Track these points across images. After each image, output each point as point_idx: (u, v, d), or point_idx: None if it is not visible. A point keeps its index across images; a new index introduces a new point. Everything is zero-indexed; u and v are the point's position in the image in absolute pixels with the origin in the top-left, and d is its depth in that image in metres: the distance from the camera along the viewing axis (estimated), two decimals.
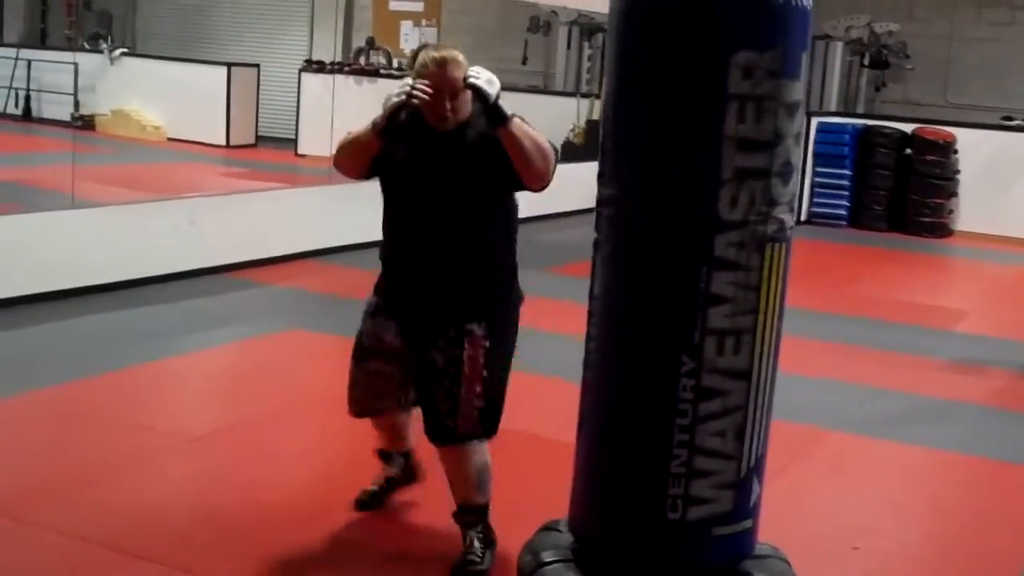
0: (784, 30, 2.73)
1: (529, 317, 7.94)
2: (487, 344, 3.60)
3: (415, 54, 3.78)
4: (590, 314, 2.93)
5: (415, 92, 3.55)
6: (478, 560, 3.66)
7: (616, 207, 2.85)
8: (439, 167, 3.62)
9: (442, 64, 3.66)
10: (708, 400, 2.78)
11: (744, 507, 2.91)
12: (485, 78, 3.59)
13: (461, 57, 3.72)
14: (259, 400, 5.93)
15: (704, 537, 2.86)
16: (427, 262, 3.71)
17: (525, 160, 3.53)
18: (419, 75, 3.64)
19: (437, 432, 3.73)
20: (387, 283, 3.92)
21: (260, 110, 17.55)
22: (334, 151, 3.81)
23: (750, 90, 2.68)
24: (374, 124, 3.63)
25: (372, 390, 3.99)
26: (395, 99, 3.58)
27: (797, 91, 2.76)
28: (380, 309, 3.90)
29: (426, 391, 3.70)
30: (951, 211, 13.94)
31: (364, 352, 3.96)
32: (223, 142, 16.94)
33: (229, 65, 17.18)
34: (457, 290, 3.60)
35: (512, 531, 3.58)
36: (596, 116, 14.70)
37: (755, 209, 2.72)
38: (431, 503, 4.62)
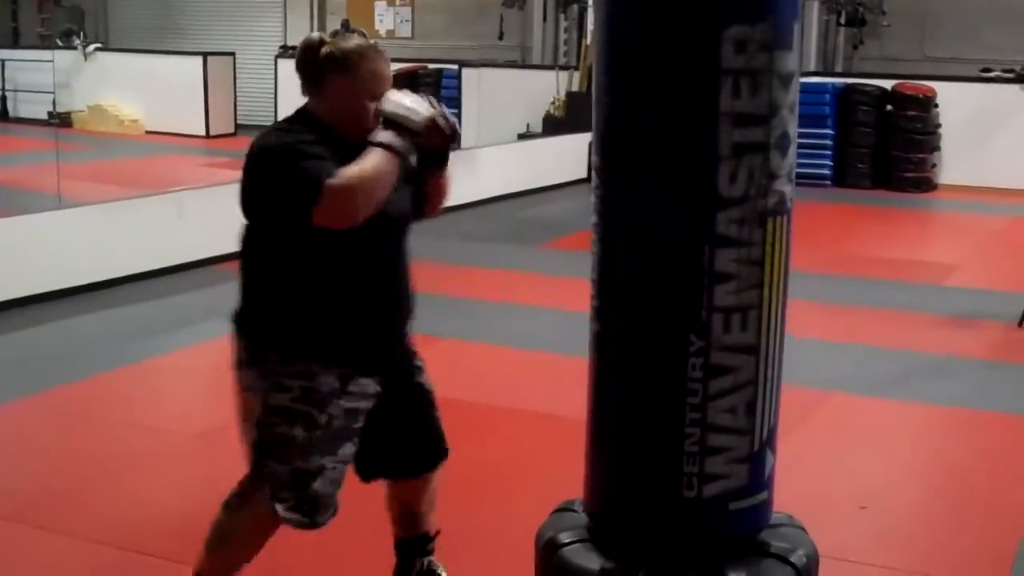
0: (774, 1, 2.71)
1: (520, 292, 7.98)
2: None
3: (316, 42, 3.15)
4: (592, 296, 2.92)
5: (446, 124, 3.12)
6: None
7: (613, 188, 2.84)
8: (402, 187, 3.16)
9: (386, 62, 3.18)
10: (718, 377, 2.77)
11: (759, 480, 2.91)
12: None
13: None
14: None
15: (721, 513, 2.86)
16: (398, 291, 3.30)
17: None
18: (364, 68, 3.08)
19: (436, 455, 3.55)
20: (361, 335, 3.19)
21: (238, 98, 17.50)
22: (339, 196, 2.89)
23: (744, 64, 2.66)
24: (398, 152, 2.97)
25: (341, 478, 3.31)
26: (418, 118, 3.02)
27: (791, 61, 2.75)
28: (350, 376, 3.16)
29: (423, 420, 3.49)
30: (934, 165, 13.96)
31: (336, 438, 3.19)
32: (202, 132, 16.91)
33: (204, 55, 17.14)
34: (413, 309, 3.38)
35: (526, 511, 3.58)
36: (575, 88, 14.68)
37: (755, 183, 2.71)
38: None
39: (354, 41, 3.12)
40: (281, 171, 2.97)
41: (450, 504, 4.47)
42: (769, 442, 2.91)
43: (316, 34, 3.18)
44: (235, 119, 17.45)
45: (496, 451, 5.09)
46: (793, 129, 2.77)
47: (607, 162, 2.86)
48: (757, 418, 2.85)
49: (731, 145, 2.69)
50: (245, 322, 3.27)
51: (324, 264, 3.08)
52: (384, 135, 2.97)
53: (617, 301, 2.87)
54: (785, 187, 2.76)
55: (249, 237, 3.16)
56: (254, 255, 3.19)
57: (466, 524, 4.29)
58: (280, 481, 3.21)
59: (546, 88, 14.94)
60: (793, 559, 2.94)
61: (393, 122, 2.99)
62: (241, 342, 3.29)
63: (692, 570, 2.88)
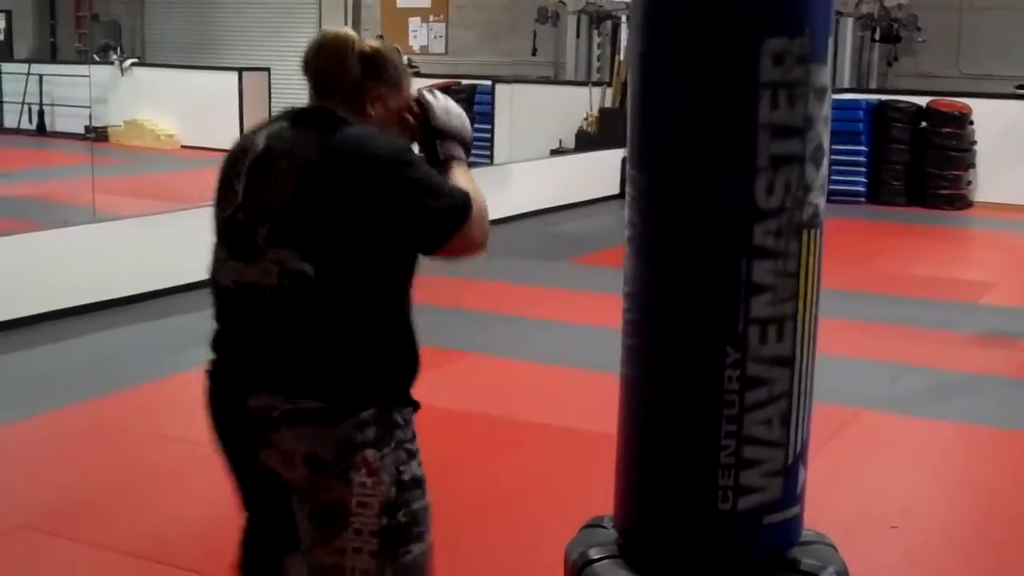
0: (811, 14, 2.72)
1: (550, 308, 7.98)
2: None
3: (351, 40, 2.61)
4: (625, 309, 2.92)
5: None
6: None
7: (650, 200, 2.84)
8: None
9: None
10: (754, 389, 2.77)
11: (792, 493, 2.91)
12: None
13: None
14: None
15: (755, 526, 2.85)
16: None
17: None
18: (407, 83, 2.72)
19: None
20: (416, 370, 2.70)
21: (272, 114, 17.57)
22: (482, 218, 2.60)
23: (781, 76, 2.68)
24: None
25: None
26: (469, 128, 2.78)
27: (825, 75, 2.77)
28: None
29: None
30: (969, 182, 13.88)
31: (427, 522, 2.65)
32: None
33: (240, 70, 17.22)
34: None
35: (554, 527, 3.57)
36: (608, 104, 14.69)
37: (791, 195, 2.72)
38: (459, 500, 4.64)
39: (390, 48, 2.73)
40: (428, 186, 2.47)
41: (476, 520, 4.48)
42: (802, 455, 2.91)
43: (341, 30, 2.64)
44: None
45: (523, 466, 5.08)
46: (827, 142, 2.78)
47: (643, 174, 2.86)
48: (791, 431, 2.85)
49: (768, 157, 2.70)
50: (320, 385, 2.45)
51: (400, 296, 2.64)
52: (455, 150, 2.68)
53: (653, 314, 2.88)
54: (819, 200, 2.77)
55: (324, 276, 2.42)
56: (329, 299, 2.44)
57: (492, 540, 4.29)
58: (420, 564, 2.63)
59: (579, 104, 14.95)
60: None
61: (453, 135, 2.69)
62: (322, 429, 2.45)
63: None
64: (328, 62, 2.58)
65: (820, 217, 2.78)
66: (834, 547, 3.09)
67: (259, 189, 2.45)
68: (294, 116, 2.57)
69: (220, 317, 2.60)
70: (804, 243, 2.75)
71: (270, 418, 2.43)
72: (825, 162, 2.78)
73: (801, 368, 2.83)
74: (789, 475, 2.88)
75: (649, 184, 2.85)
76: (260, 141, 2.50)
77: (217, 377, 2.59)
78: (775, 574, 2.90)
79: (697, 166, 2.75)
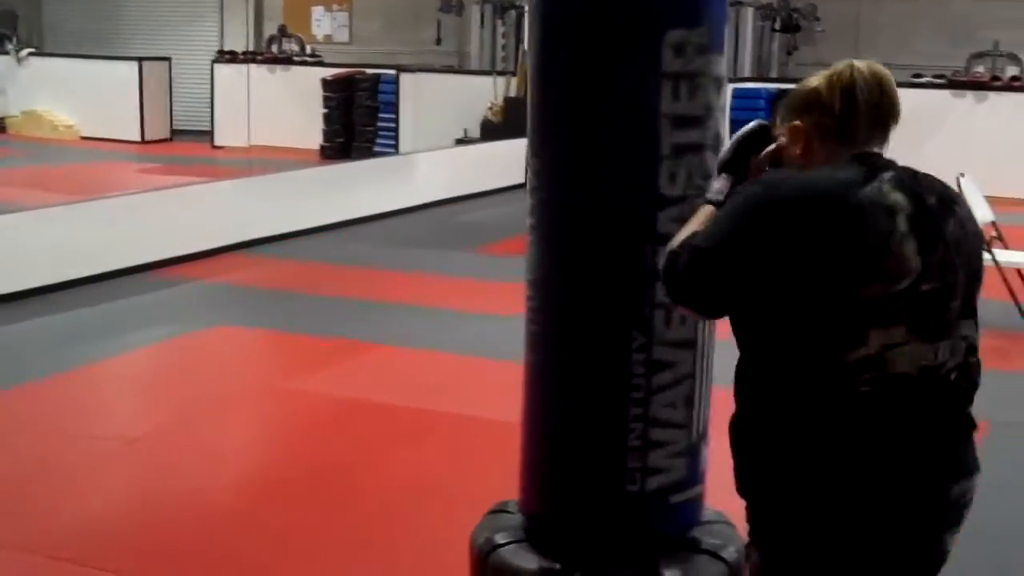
0: (709, 6, 2.77)
1: (456, 297, 7.99)
2: None
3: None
4: (529, 297, 2.94)
5: None
6: None
7: (553, 189, 2.87)
8: None
9: None
10: (660, 372, 2.83)
11: (696, 473, 2.98)
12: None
13: None
14: (194, 398, 5.89)
15: (662, 506, 2.92)
16: None
17: None
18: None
19: None
20: None
21: (174, 103, 17.38)
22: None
23: (682, 67, 2.73)
24: None
25: None
26: None
27: (722, 65, 2.83)
28: None
29: None
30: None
31: None
32: (138, 138, 16.77)
33: (140, 60, 16.99)
34: None
35: (461, 514, 3.59)
36: (513, 93, 14.72)
37: (693, 183, 2.77)
38: (368, 492, 4.65)
39: None
40: None
41: (387, 509, 4.49)
42: (704, 435, 2.97)
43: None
44: (171, 124, 17.34)
45: (433, 456, 5.10)
46: (724, 131, 2.82)
47: (545, 163, 2.89)
48: (695, 412, 2.92)
49: (671, 146, 2.74)
50: None
51: None
52: None
53: (557, 301, 2.91)
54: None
55: None
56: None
57: (402, 529, 4.30)
58: None
59: (484, 93, 14.98)
60: (724, 555, 2.98)
61: None
62: None
63: (628, 566, 2.91)
64: (894, 101, 2.24)
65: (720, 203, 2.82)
66: (733, 526, 3.15)
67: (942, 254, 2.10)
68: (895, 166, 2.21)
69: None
70: None
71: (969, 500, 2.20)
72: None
73: (703, 350, 2.88)
74: (693, 455, 2.94)
75: (552, 174, 2.87)
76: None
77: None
78: (678, 552, 2.95)
79: (601, 156, 2.78)
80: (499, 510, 3.20)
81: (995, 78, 14.44)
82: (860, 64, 2.20)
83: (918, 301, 2.04)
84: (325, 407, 5.72)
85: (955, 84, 14.36)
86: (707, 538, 3.02)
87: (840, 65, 2.20)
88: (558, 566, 2.92)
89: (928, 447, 2.11)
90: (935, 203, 2.13)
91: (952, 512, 2.17)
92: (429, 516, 4.39)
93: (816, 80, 2.22)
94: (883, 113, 2.20)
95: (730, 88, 14.57)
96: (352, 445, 5.24)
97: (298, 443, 5.35)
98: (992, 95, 14.04)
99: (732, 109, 14.66)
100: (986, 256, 7.23)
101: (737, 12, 15.61)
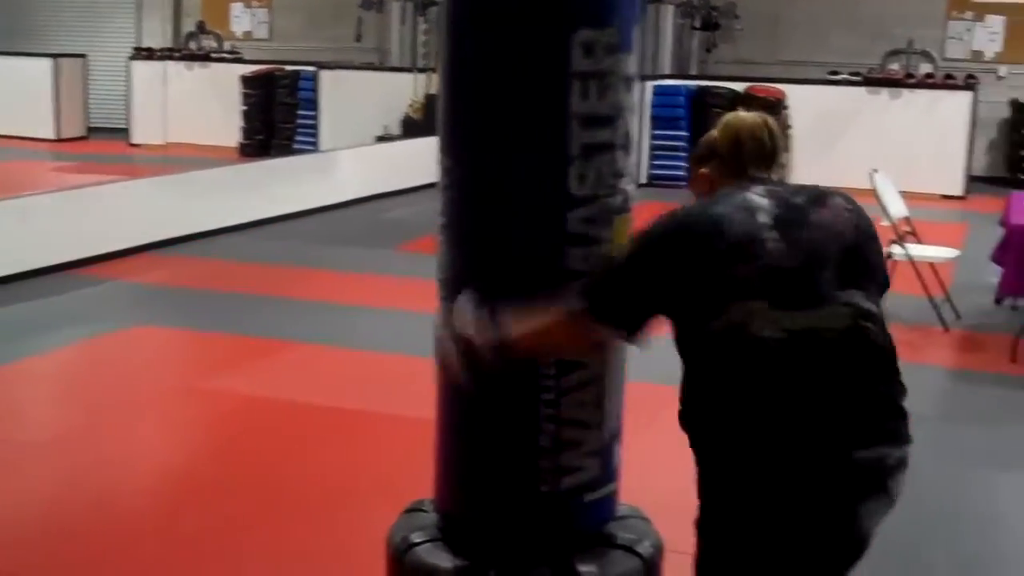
0: (619, 6, 2.76)
1: (375, 295, 7.96)
2: None
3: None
4: (441, 297, 2.93)
5: None
6: None
7: (463, 189, 2.86)
8: None
9: None
10: (570, 373, 2.81)
11: (609, 471, 2.97)
12: None
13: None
14: (109, 400, 5.81)
15: (575, 505, 2.91)
16: None
17: None
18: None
19: None
20: None
21: (90, 101, 17.15)
22: None
23: (591, 67, 2.71)
24: None
25: None
26: None
27: (632, 64, 2.82)
28: None
29: None
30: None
31: None
32: (53, 135, 16.53)
33: (55, 56, 16.74)
34: None
35: (379, 513, 3.58)
36: (434, 91, 14.69)
37: (603, 183, 2.76)
38: (285, 493, 4.61)
39: None
40: None
41: (304, 508, 4.46)
42: (617, 433, 2.98)
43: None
44: (87, 122, 17.12)
45: (351, 455, 5.08)
46: (634, 130, 2.83)
47: (455, 163, 2.87)
48: (607, 411, 2.91)
49: (581, 146, 2.73)
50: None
51: None
52: None
53: None
54: (629, 186, 2.82)
55: None
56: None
57: (320, 528, 4.28)
58: None
59: (404, 90, 14.94)
60: (640, 549, 2.99)
61: None
62: None
63: (544, 564, 2.91)
64: (776, 141, 2.66)
65: (630, 203, 2.83)
66: (648, 520, 3.16)
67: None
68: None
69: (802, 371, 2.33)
70: (616, 229, 2.80)
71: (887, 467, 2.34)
72: (632, 149, 2.84)
73: (613, 350, 2.88)
74: (606, 454, 2.94)
75: (462, 173, 2.86)
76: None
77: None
78: (593, 549, 2.95)
79: (510, 156, 2.77)
80: (415, 509, 3.19)
81: (909, 75, 14.67)
82: (744, 114, 2.67)
83: (780, 277, 2.34)
84: (242, 407, 5.68)
85: (871, 81, 14.58)
86: (622, 533, 3.03)
87: (728, 116, 2.67)
88: (473, 565, 2.91)
89: (821, 407, 2.29)
90: (803, 200, 2.48)
91: (865, 480, 2.29)
92: (346, 516, 4.37)
93: (714, 132, 2.67)
94: (768, 152, 2.62)
95: (650, 85, 14.69)
96: (268, 445, 5.20)
97: (214, 445, 5.30)
98: (906, 92, 14.26)
99: (653, 106, 14.79)
100: (899, 251, 7.40)
101: (657, 9, 15.70)
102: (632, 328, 2.52)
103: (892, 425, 2.37)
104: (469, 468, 2.98)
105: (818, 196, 2.51)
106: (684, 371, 2.51)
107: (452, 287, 2.91)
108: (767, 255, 2.35)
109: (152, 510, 4.46)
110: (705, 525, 2.52)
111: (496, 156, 2.79)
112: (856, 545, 2.34)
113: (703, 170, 2.68)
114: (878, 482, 2.32)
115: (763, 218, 2.41)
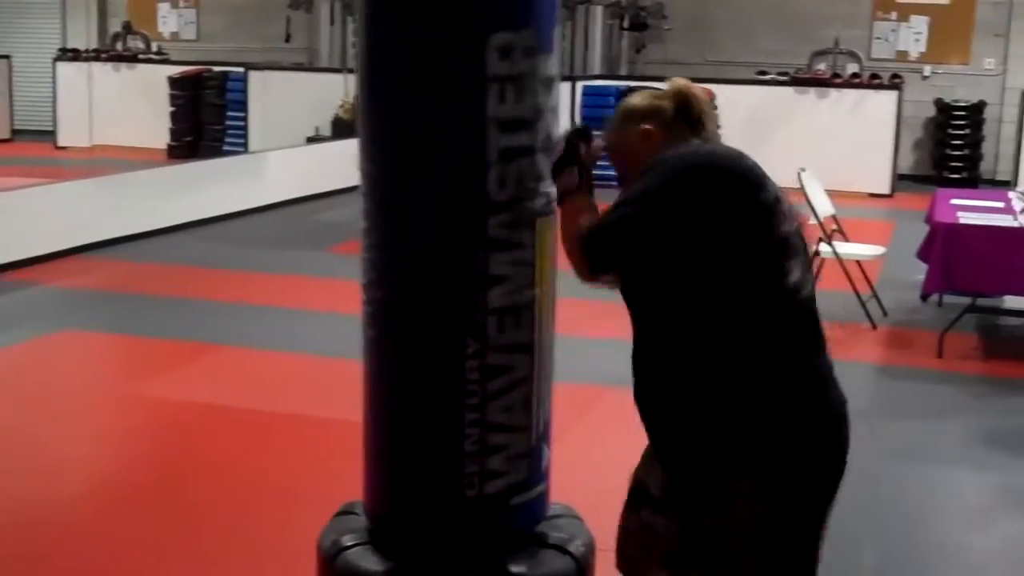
0: (536, 7, 2.75)
1: (306, 297, 7.92)
2: None
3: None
4: (365, 301, 2.92)
5: None
6: None
7: (384, 193, 2.84)
8: None
9: None
10: (495, 378, 2.81)
11: (537, 473, 2.97)
12: None
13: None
14: (34, 407, 5.72)
15: (502, 508, 2.90)
16: None
17: None
18: None
19: None
20: None
21: (14, 103, 16.89)
22: None
23: (508, 70, 2.70)
24: None
25: None
26: None
27: (552, 65, 2.81)
28: None
29: None
30: None
31: None
32: None
33: None
34: None
35: (311, 516, 3.56)
36: None
37: (524, 187, 2.76)
38: (215, 498, 4.58)
39: None
40: None
41: (236, 513, 4.43)
42: (545, 436, 2.97)
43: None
44: (11, 124, 16.87)
45: (283, 459, 5.05)
46: (555, 132, 2.82)
47: (376, 167, 2.86)
48: (533, 414, 2.91)
49: (499, 150, 2.72)
50: None
51: None
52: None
53: (391, 306, 2.87)
54: (551, 188, 2.80)
55: None
56: None
57: (251, 532, 4.25)
58: None
59: (334, 91, 14.85)
60: (571, 548, 3.00)
61: None
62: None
63: (473, 566, 2.91)
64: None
65: (552, 205, 2.82)
66: (580, 519, 3.17)
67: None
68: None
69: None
70: (539, 232, 2.80)
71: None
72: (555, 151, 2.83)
73: (540, 352, 2.88)
74: (533, 456, 2.94)
75: (382, 178, 2.84)
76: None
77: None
78: (524, 549, 2.96)
79: (428, 161, 2.75)
80: (346, 511, 3.18)
81: (836, 75, 14.82)
82: (685, 80, 2.75)
83: (796, 241, 2.51)
84: (171, 412, 5.62)
85: (798, 81, 14.71)
86: (554, 533, 3.04)
87: (676, 79, 2.73)
88: (402, 567, 2.91)
89: (818, 351, 2.57)
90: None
91: (842, 401, 2.59)
92: (278, 520, 4.35)
93: (654, 94, 2.72)
94: (713, 114, 2.73)
95: (580, 86, 14.73)
96: (198, 450, 5.16)
97: (142, 451, 5.25)
98: (833, 92, 14.42)
99: (584, 107, 14.84)
100: (827, 248, 7.47)
101: (586, 10, 15.75)
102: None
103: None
104: (396, 472, 2.98)
105: None
106: (683, 327, 2.53)
107: (375, 292, 2.90)
108: (791, 215, 2.50)
109: (76, 519, 4.40)
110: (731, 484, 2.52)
111: (415, 161, 2.77)
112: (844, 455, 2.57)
113: (646, 126, 2.65)
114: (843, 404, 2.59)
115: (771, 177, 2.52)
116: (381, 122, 2.84)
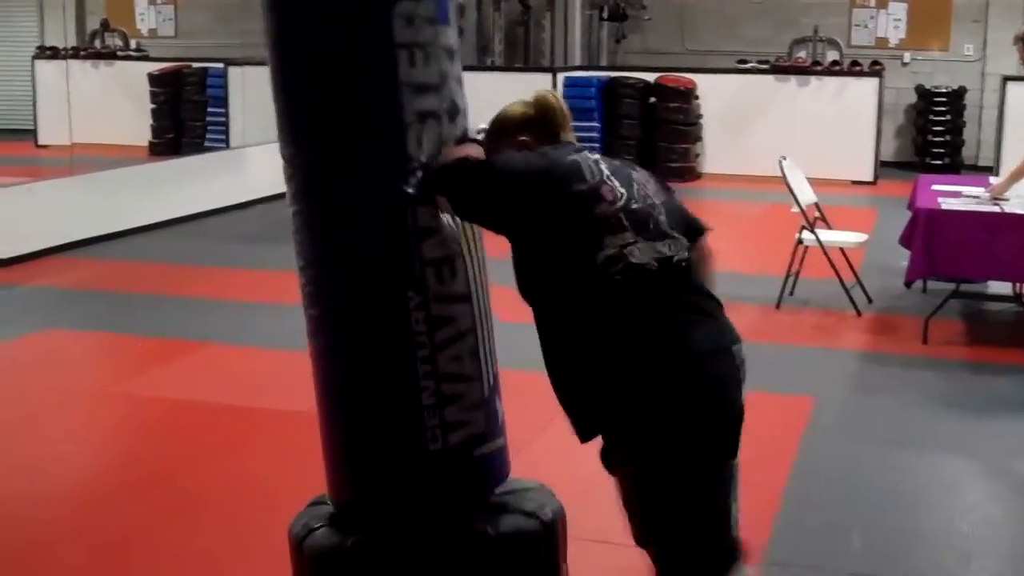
0: None
1: (287, 293, 7.88)
2: None
3: None
4: (303, 284, 2.99)
5: None
6: None
7: (310, 171, 2.96)
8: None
9: None
10: (441, 328, 2.90)
11: (495, 425, 3.04)
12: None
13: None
14: (18, 406, 5.71)
15: (466, 460, 2.96)
16: None
17: None
18: None
19: None
20: None
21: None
22: None
23: (413, 38, 2.87)
24: None
25: None
26: None
27: (452, 37, 3.00)
28: None
29: None
30: (697, 155, 14.40)
31: None
32: None
33: None
34: None
35: (293, 510, 3.55)
36: None
37: (438, 146, 2.91)
38: (196, 495, 4.57)
39: None
40: None
41: (219, 509, 4.42)
42: (496, 388, 3.06)
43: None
44: None
45: (260, 454, 5.05)
46: (462, 101, 3.00)
47: (298, 149, 2.98)
48: (482, 364, 3.00)
49: (414, 112, 2.88)
50: None
51: None
52: None
53: (330, 279, 2.96)
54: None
55: None
56: None
57: (234, 528, 4.24)
58: None
59: None
60: (540, 513, 3.04)
61: None
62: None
63: (440, 528, 2.93)
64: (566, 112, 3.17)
65: None
66: (552, 493, 3.19)
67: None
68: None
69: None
70: None
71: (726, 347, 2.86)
72: (460, 119, 2.99)
73: (478, 302, 2.98)
74: (489, 407, 3.01)
75: (304, 156, 2.95)
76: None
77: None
78: (491, 514, 2.97)
79: (349, 127, 2.87)
80: (318, 502, 3.20)
81: (816, 63, 14.85)
82: (543, 89, 3.19)
83: (634, 215, 2.82)
84: (154, 410, 5.61)
85: (778, 69, 14.73)
86: (525, 504, 3.08)
87: (538, 90, 3.14)
88: (369, 538, 2.93)
89: (698, 316, 2.83)
90: (618, 162, 2.98)
91: (741, 369, 2.87)
92: (262, 515, 4.33)
93: (520, 107, 3.09)
94: (569, 119, 3.13)
95: (561, 77, 14.72)
96: (180, 448, 5.14)
97: (125, 449, 5.23)
98: (814, 80, 14.43)
99: (567, 97, 14.81)
100: (810, 237, 7.48)
101: (566, 1, 15.74)
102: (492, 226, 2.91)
103: (722, 320, 2.90)
104: (356, 444, 3.02)
105: (624, 160, 3.05)
106: (550, 301, 2.83)
107: (312, 270, 2.97)
108: (618, 197, 2.83)
109: (58, 518, 4.38)
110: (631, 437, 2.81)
111: (335, 131, 2.88)
112: (740, 425, 2.83)
113: (523, 137, 3.02)
114: (744, 372, 2.87)
115: (604, 167, 2.88)
116: (298, 100, 2.97)
